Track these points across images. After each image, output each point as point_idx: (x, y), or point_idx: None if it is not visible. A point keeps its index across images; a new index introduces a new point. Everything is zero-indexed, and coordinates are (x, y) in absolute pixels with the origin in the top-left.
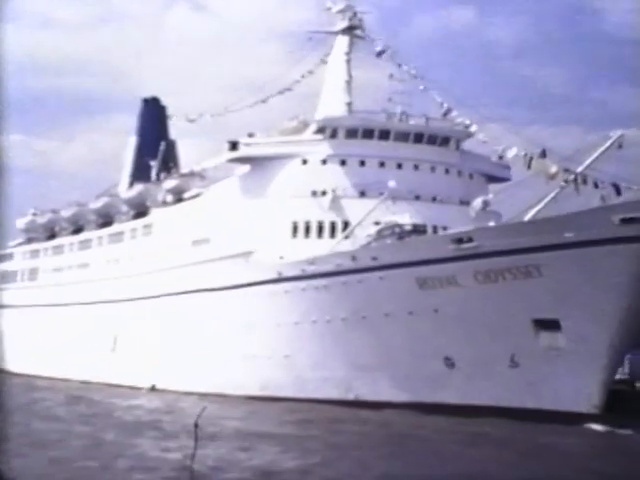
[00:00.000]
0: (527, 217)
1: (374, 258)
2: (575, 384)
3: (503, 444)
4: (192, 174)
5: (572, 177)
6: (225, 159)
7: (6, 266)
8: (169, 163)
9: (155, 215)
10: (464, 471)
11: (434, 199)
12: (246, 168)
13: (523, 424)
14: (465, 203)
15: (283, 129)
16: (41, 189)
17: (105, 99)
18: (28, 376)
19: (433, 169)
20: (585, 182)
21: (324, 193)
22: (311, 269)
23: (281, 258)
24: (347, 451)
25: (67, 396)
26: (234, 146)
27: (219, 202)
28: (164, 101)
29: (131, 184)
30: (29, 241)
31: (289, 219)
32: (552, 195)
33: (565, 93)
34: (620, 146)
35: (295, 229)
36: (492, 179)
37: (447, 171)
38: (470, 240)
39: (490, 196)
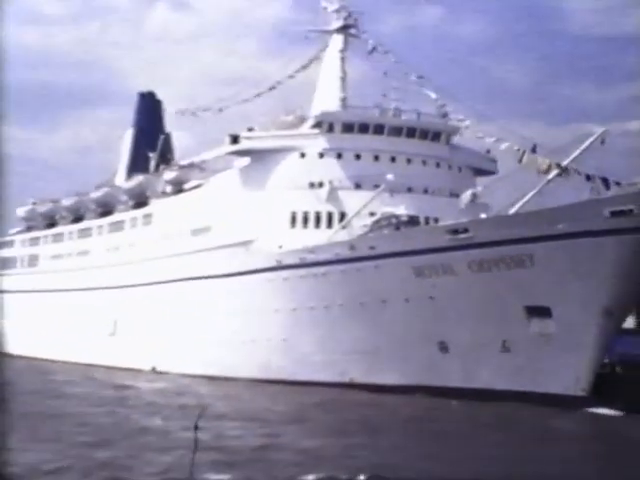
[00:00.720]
0: (515, 209)
1: (372, 247)
2: (564, 368)
3: (523, 428)
4: (191, 166)
5: (557, 170)
6: (226, 152)
7: (6, 253)
8: (166, 155)
9: (155, 205)
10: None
11: (425, 191)
12: (246, 160)
13: (521, 407)
14: (455, 195)
15: (280, 123)
16: (24, 178)
17: (89, 92)
18: (30, 358)
19: (425, 162)
20: (575, 172)
21: (321, 185)
22: (310, 258)
23: (280, 247)
24: (383, 433)
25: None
26: (235, 139)
27: (220, 193)
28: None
29: (129, 175)
30: (29, 229)
31: (288, 209)
32: (539, 187)
33: (528, 88)
34: (603, 142)
35: (294, 219)
36: (479, 172)
37: (438, 164)
38: (465, 231)
39: (479, 189)
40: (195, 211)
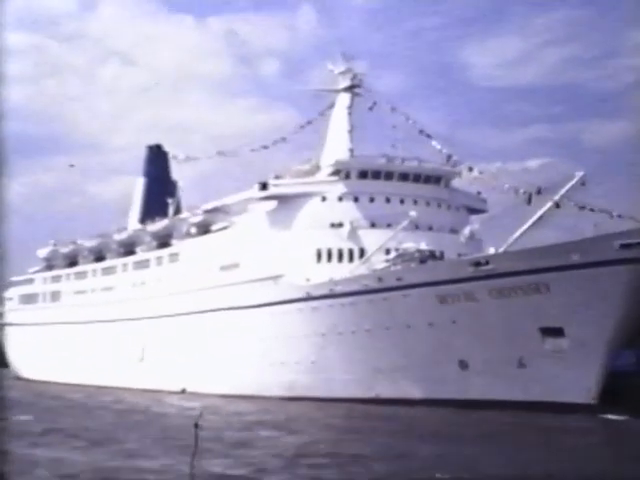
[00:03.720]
0: (509, 242)
1: (399, 279)
2: (576, 380)
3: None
4: (215, 210)
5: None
6: (257, 197)
7: (27, 289)
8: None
9: (181, 245)
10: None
11: (430, 228)
12: (272, 204)
13: (542, 415)
14: (454, 231)
15: (296, 171)
16: None
17: (46, 141)
18: (59, 384)
19: (428, 204)
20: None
21: (341, 225)
22: (338, 289)
23: (308, 280)
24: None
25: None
26: (264, 186)
27: (248, 233)
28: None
29: (142, 220)
30: (48, 268)
31: (314, 247)
32: (529, 224)
33: (439, 133)
34: (583, 183)
35: (319, 255)
36: (472, 211)
37: (439, 205)
38: (487, 263)
39: (476, 226)
40: (223, 249)
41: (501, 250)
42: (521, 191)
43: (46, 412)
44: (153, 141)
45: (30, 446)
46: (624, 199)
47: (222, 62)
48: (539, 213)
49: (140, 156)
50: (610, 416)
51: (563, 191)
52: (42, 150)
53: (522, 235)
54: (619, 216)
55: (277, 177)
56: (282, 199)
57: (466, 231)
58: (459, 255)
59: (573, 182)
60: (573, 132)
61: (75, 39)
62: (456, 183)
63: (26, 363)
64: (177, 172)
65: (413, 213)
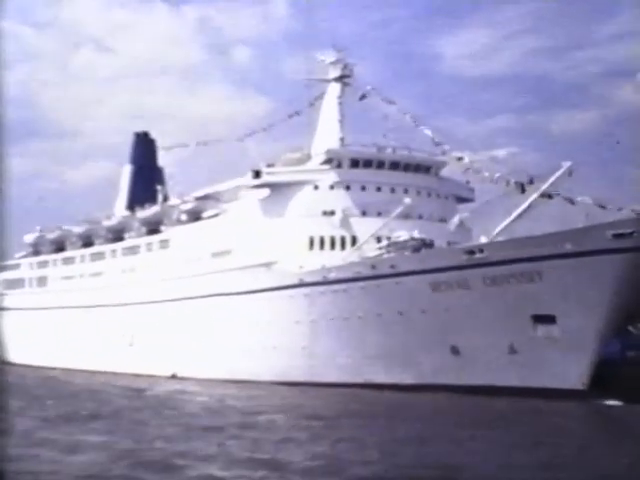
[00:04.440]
0: (496, 231)
1: (392, 266)
2: (568, 366)
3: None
4: (206, 197)
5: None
6: (250, 185)
7: (12, 274)
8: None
9: (172, 231)
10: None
11: (420, 217)
12: (265, 192)
13: (536, 401)
14: (443, 220)
15: (287, 159)
16: None
17: (20, 126)
18: (47, 368)
19: (419, 192)
20: (550, 197)
21: (333, 213)
22: (331, 276)
23: (300, 267)
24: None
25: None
26: (257, 174)
27: (240, 220)
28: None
29: (129, 207)
30: (35, 254)
31: (306, 234)
32: (517, 213)
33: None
34: (570, 173)
35: (312, 243)
36: (460, 200)
37: (429, 194)
38: (481, 251)
39: (465, 214)
40: (215, 236)
41: (490, 239)
42: (512, 181)
43: (64, 397)
44: (127, 127)
45: (95, 432)
46: (590, 187)
47: (195, 50)
48: (527, 202)
49: (114, 142)
50: (601, 401)
51: (551, 181)
52: (15, 135)
53: (510, 224)
54: (601, 207)
55: (269, 165)
56: (274, 187)
57: (455, 219)
58: (448, 243)
59: (560, 172)
60: (539, 122)
61: (49, 26)
62: (444, 172)
63: (13, 348)
64: (162, 159)
65: (408, 200)
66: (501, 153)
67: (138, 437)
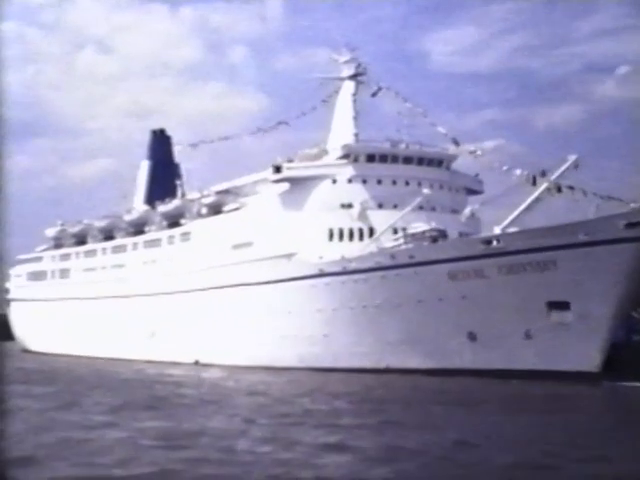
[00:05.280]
0: (506, 222)
1: (411, 256)
2: (580, 350)
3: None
4: (226, 191)
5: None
6: (271, 179)
7: (35, 267)
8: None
9: (193, 225)
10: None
11: (433, 209)
12: (285, 186)
13: (552, 384)
14: (454, 212)
15: (304, 155)
16: None
17: (27, 125)
18: (69, 356)
19: (431, 186)
20: (560, 190)
21: (350, 206)
22: (352, 266)
23: (320, 258)
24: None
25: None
26: (278, 169)
27: (261, 213)
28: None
29: (148, 202)
30: (57, 247)
31: (326, 226)
32: (526, 204)
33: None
34: (576, 166)
35: (331, 234)
36: (470, 192)
37: (441, 187)
38: (498, 241)
39: (477, 206)
40: (236, 229)
41: (501, 230)
42: (525, 173)
43: (116, 387)
44: (128, 126)
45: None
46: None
47: (193, 49)
48: (535, 194)
49: (115, 139)
50: (615, 383)
51: (557, 174)
52: (19, 134)
53: (519, 216)
54: (611, 198)
55: (289, 160)
56: (294, 181)
57: (467, 211)
58: (460, 234)
59: (567, 165)
60: (524, 116)
61: (53, 27)
62: (455, 165)
63: (34, 337)
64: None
65: (426, 190)
66: (490, 145)
67: (227, 423)
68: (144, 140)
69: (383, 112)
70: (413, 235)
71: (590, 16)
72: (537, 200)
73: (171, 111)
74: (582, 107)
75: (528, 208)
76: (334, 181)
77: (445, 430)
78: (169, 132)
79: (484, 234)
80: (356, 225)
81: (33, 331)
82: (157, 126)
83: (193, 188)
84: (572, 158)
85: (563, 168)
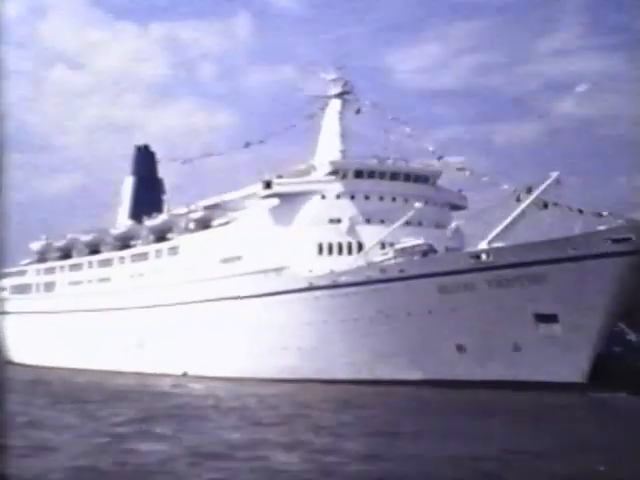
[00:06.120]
0: (490, 236)
1: (401, 270)
2: (569, 361)
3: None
4: (215, 206)
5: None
6: (261, 195)
7: (18, 280)
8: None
9: (181, 239)
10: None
11: (420, 224)
12: (274, 201)
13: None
14: (439, 226)
15: (292, 171)
16: None
17: None
18: (56, 368)
19: (417, 201)
20: (546, 206)
21: (339, 221)
22: (342, 279)
23: (310, 271)
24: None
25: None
26: (268, 185)
27: (250, 228)
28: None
29: (132, 217)
30: (40, 261)
31: (315, 241)
32: (510, 219)
33: (362, 135)
34: (558, 182)
35: (320, 248)
36: (454, 207)
37: (426, 202)
38: (487, 256)
39: (462, 222)
40: (225, 243)
41: (485, 243)
42: (512, 189)
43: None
44: (97, 140)
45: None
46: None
47: (162, 66)
48: (519, 209)
49: (84, 154)
50: (600, 394)
51: (540, 190)
52: None
53: (503, 231)
54: (599, 215)
55: (278, 176)
56: (284, 197)
57: (452, 226)
58: (446, 248)
59: (549, 181)
60: (485, 133)
61: (25, 44)
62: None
63: (20, 349)
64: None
65: (418, 204)
66: (452, 161)
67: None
68: (114, 155)
69: (366, 129)
70: (403, 249)
71: (550, 35)
72: (521, 215)
73: (139, 127)
74: (540, 124)
75: (512, 223)
76: (323, 197)
77: (486, 439)
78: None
79: (468, 249)
80: (345, 239)
81: (17, 344)
82: (126, 141)
83: (176, 203)
84: (554, 175)
85: (545, 184)
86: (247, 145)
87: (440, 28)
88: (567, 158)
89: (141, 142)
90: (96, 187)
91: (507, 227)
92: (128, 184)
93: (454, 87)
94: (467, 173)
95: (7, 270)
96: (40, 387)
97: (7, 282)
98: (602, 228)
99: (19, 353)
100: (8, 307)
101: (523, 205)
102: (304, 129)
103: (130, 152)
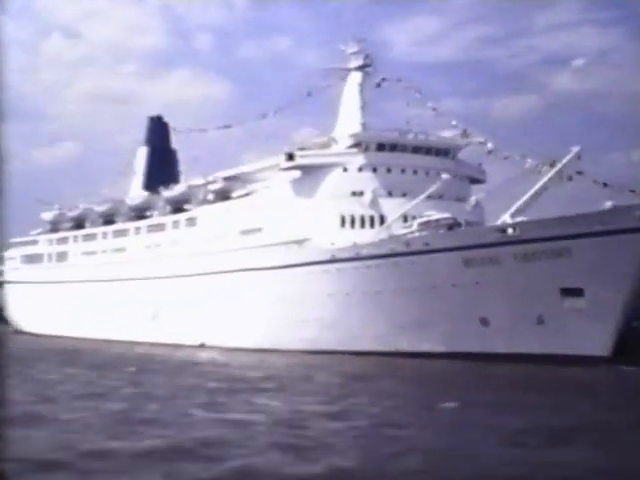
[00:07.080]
0: (511, 210)
1: (426, 244)
2: (593, 335)
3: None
4: (234, 177)
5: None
6: (283, 166)
7: (30, 250)
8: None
9: (200, 210)
10: None
11: (440, 197)
12: (296, 174)
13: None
14: (459, 200)
15: (313, 143)
16: None
17: None
18: (66, 337)
19: (438, 174)
20: (571, 179)
21: (361, 193)
22: (365, 252)
23: (332, 244)
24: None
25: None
26: (291, 157)
27: (271, 200)
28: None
29: (147, 187)
30: (53, 231)
31: (338, 213)
32: (530, 193)
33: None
34: (579, 157)
35: (343, 221)
36: (473, 181)
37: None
38: (514, 230)
39: (482, 195)
40: (245, 215)
41: (508, 216)
42: (534, 163)
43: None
44: (93, 110)
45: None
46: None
47: (159, 36)
48: (539, 184)
49: (78, 123)
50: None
51: (562, 164)
52: None
53: (523, 205)
54: (631, 191)
55: (301, 149)
56: (306, 169)
57: (473, 199)
58: (467, 222)
59: (570, 156)
60: (483, 106)
61: (22, 13)
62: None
63: (30, 318)
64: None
65: (445, 176)
66: (447, 134)
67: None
68: (111, 125)
69: (382, 103)
70: (427, 223)
71: (549, 9)
72: (543, 188)
73: (135, 97)
74: (537, 98)
75: (534, 196)
76: (345, 169)
77: (549, 413)
78: (134, 117)
79: (488, 222)
80: (367, 212)
81: (28, 313)
82: (122, 112)
83: (191, 174)
84: (575, 149)
85: (567, 158)
86: (264, 116)
87: (438, 1)
88: (562, 132)
89: (136, 112)
90: (92, 157)
91: (528, 200)
92: (141, 155)
93: (451, 60)
94: (489, 146)
95: (16, 240)
96: (77, 356)
97: (17, 252)
98: (635, 203)
99: (30, 322)
100: (18, 276)
101: (545, 178)
102: (310, 102)
103: (127, 121)
